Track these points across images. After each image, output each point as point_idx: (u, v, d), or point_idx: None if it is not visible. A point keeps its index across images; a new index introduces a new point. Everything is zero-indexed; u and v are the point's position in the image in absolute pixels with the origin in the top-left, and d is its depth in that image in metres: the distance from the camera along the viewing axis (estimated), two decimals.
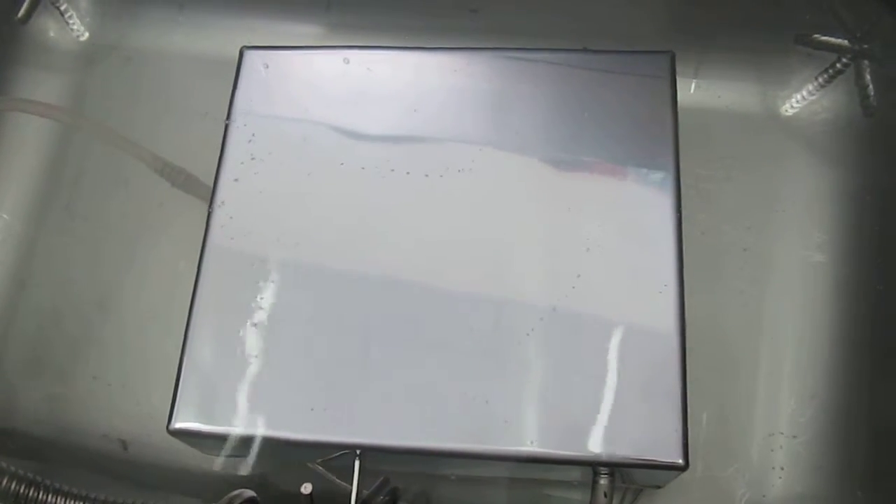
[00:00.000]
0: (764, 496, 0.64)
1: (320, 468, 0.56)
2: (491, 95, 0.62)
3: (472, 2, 0.80)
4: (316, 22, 0.81)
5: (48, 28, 0.84)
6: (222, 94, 0.64)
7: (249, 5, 0.82)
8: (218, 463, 0.63)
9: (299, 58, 0.65)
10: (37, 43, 0.84)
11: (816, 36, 0.75)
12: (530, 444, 0.52)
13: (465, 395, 0.53)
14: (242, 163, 0.61)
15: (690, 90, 0.75)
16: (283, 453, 0.58)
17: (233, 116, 0.63)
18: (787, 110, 0.75)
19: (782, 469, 0.64)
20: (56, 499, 0.57)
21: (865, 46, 0.73)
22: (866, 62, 0.73)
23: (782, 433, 0.65)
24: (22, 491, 0.56)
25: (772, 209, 0.72)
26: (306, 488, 0.49)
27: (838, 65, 0.74)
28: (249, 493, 0.48)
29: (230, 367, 0.55)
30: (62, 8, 0.84)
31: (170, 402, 0.54)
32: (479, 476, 0.62)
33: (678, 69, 0.61)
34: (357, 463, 0.53)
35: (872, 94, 0.73)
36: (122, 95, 0.80)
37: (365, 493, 0.54)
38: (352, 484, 0.53)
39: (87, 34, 0.84)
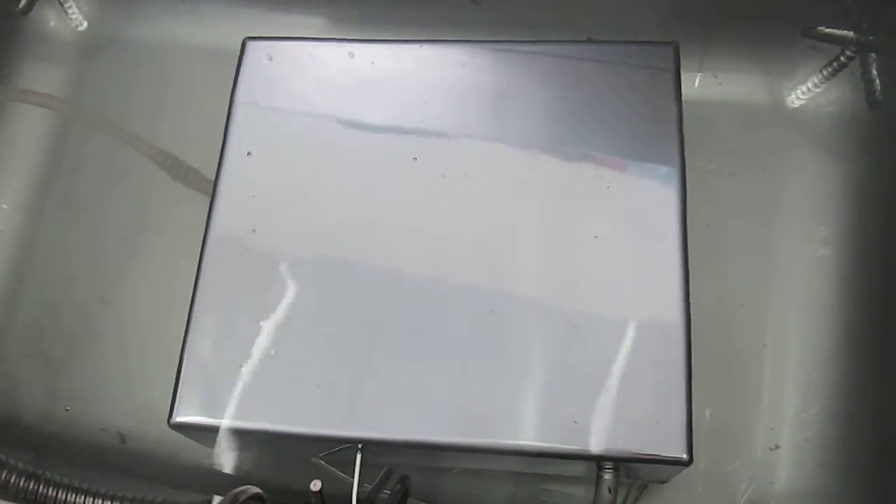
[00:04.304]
0: (767, 491, 0.64)
1: (322, 463, 0.56)
2: (494, 88, 0.61)
3: None
4: (319, 13, 0.81)
5: (48, 18, 0.84)
6: (223, 85, 0.63)
7: None
8: (219, 457, 0.63)
9: (302, 50, 0.64)
10: (36, 33, 0.83)
11: (822, 28, 0.75)
12: (534, 439, 0.51)
13: (468, 389, 0.53)
14: (244, 155, 0.60)
15: (695, 83, 0.75)
16: (284, 447, 0.58)
17: (234, 108, 0.62)
18: (792, 103, 0.75)
19: (786, 464, 0.64)
20: (55, 491, 0.56)
21: (871, 38, 0.73)
22: (872, 55, 0.73)
23: (786, 429, 0.65)
24: (21, 484, 0.56)
25: (776, 203, 0.71)
26: (315, 485, 0.48)
27: (842, 58, 0.74)
28: (255, 489, 0.48)
29: (231, 361, 0.54)
30: None
31: (170, 396, 0.54)
32: (481, 470, 0.62)
33: (682, 62, 0.61)
34: (359, 456, 0.53)
35: (878, 87, 0.72)
36: (122, 86, 0.80)
37: (368, 487, 0.53)
38: (353, 477, 0.52)
39: (86, 24, 0.83)
